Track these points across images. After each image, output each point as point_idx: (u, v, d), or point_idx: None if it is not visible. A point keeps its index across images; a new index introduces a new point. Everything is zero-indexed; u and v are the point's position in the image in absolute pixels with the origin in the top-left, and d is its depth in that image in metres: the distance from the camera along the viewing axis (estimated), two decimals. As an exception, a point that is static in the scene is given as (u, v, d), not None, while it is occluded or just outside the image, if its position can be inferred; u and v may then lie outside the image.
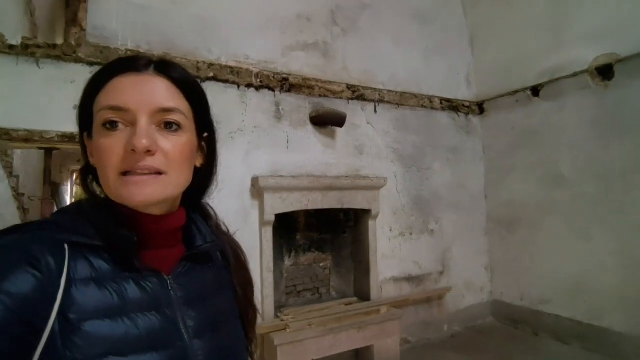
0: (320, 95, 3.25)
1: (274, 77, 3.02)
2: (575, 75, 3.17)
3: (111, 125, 0.62)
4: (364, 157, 3.44)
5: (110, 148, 0.61)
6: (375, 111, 3.53)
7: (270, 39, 3.09)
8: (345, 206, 3.24)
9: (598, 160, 3.05)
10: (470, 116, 4.11)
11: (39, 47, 2.21)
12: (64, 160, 6.09)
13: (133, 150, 0.60)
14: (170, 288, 0.68)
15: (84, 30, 2.32)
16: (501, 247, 3.90)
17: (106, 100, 0.63)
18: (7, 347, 0.49)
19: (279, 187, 2.91)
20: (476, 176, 4.07)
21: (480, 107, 4.12)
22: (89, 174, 0.71)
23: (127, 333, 0.58)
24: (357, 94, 3.41)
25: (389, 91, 3.59)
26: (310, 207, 3.08)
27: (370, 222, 3.37)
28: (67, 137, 2.28)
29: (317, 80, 3.23)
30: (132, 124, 0.62)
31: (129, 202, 0.62)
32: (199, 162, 0.76)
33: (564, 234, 3.30)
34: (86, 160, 0.70)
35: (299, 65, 3.20)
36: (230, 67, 2.85)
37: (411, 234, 3.63)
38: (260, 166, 2.95)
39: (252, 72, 2.93)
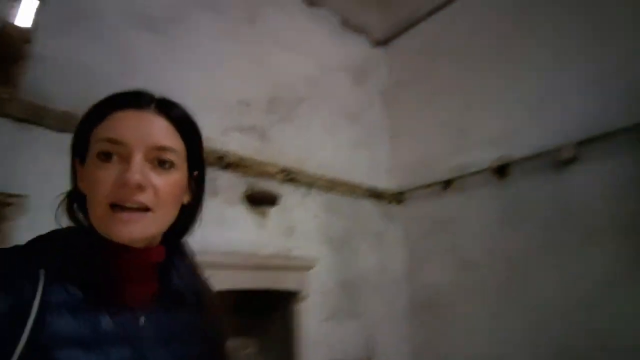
0: (255, 176, 3.34)
1: (211, 154, 3.07)
2: (479, 172, 3.68)
3: (106, 157, 0.65)
4: (294, 239, 3.48)
5: (103, 179, 0.64)
6: (307, 195, 3.68)
7: (211, 119, 3.20)
8: (275, 287, 3.16)
9: (502, 246, 3.44)
10: (392, 205, 4.45)
11: (-39, 99, 2.07)
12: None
13: (124, 184, 0.62)
14: (142, 324, 0.66)
15: (16, 87, 2.23)
16: (423, 331, 4.00)
17: (105, 132, 0.66)
18: None
19: (208, 263, 2.78)
20: (399, 261, 4.28)
21: (399, 197, 4.50)
22: (74, 200, 0.71)
23: None
24: (290, 176, 3.57)
25: (320, 177, 3.81)
26: (240, 286, 2.96)
27: (299, 305, 3.30)
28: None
29: (253, 161, 3.34)
30: (127, 158, 0.65)
31: (114, 237, 0.64)
32: (185, 200, 0.78)
33: (479, 314, 3.52)
34: (74, 185, 0.70)
35: (237, 145, 3.31)
36: (169, 140, 2.86)
37: (339, 317, 3.59)
38: (192, 241, 2.83)
39: (190, 147, 2.96)
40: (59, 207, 0.70)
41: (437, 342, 3.84)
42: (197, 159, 0.79)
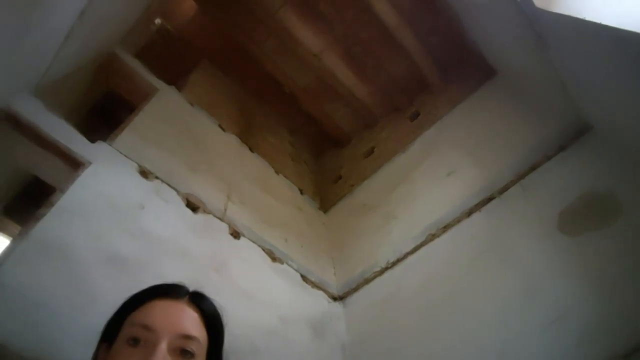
0: None
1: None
2: None
3: (135, 342, 0.71)
4: None
5: None
6: None
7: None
8: None
9: None
10: None
11: None
12: None
13: None
14: None
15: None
16: None
17: (139, 318, 0.73)
18: None
19: None
20: None
21: None
22: None
23: None
24: None
25: None
26: None
27: None
28: None
29: None
30: (154, 344, 0.70)
31: None
32: None
33: None
34: None
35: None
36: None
37: None
38: None
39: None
40: None
41: None
42: (217, 353, 0.80)
